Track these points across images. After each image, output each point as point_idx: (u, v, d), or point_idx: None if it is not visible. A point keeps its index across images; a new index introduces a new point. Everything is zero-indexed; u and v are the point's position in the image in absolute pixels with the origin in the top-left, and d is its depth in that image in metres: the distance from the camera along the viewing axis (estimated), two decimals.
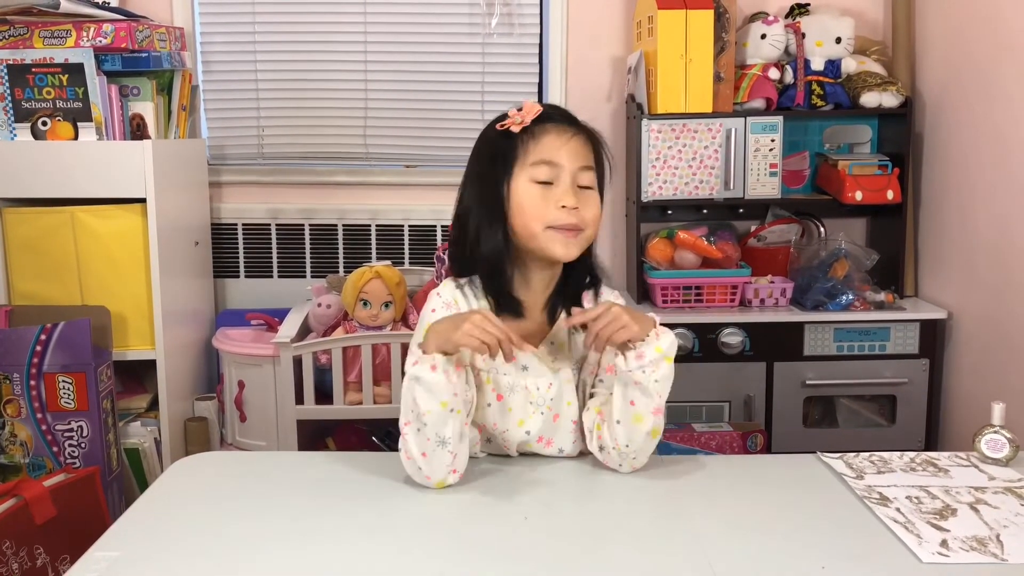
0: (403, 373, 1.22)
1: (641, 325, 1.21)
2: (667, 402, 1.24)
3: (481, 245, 1.26)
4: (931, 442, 2.35)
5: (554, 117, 1.27)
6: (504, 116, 1.27)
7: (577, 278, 1.31)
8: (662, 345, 1.20)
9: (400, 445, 1.20)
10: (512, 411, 1.27)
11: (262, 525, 1.11)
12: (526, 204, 1.23)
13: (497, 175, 1.25)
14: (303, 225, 2.65)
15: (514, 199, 1.24)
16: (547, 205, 1.22)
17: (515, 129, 1.25)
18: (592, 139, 1.29)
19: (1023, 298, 2.03)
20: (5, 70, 2.12)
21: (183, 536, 1.09)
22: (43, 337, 2.02)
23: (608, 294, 1.35)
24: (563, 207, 1.22)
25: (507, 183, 1.24)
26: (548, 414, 1.29)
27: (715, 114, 2.33)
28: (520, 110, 1.26)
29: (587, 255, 1.31)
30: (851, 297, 2.31)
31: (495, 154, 1.26)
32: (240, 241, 2.65)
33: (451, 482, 1.20)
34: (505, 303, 1.28)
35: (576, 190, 1.24)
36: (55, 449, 2.05)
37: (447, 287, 1.31)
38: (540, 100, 2.65)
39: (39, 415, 2.04)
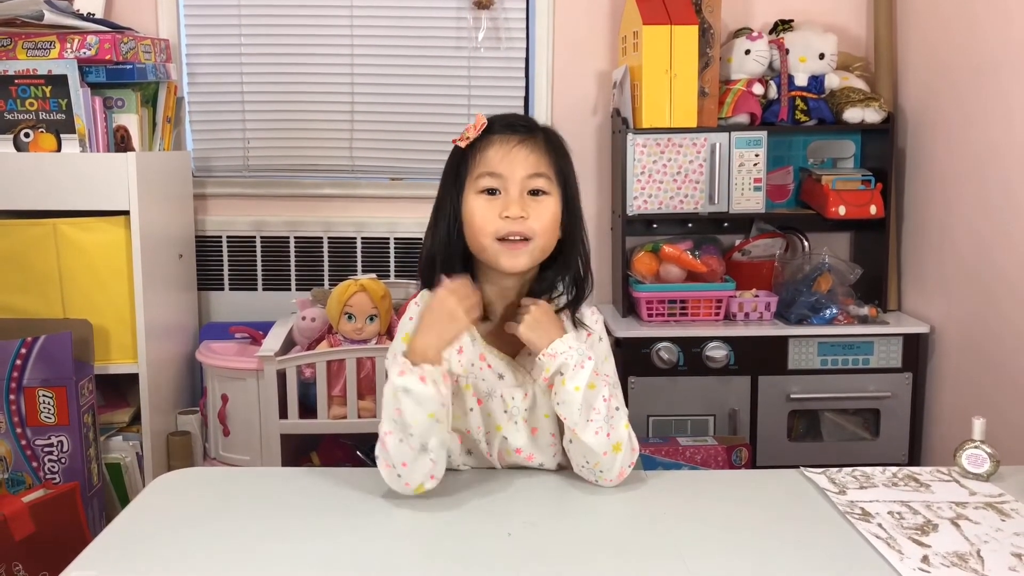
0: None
1: (536, 334, 1.22)
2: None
3: (438, 264, 1.27)
4: (914, 455, 2.36)
5: (499, 128, 1.26)
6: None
7: (544, 286, 1.30)
8: (549, 369, 1.21)
9: (378, 453, 1.20)
10: (491, 416, 1.27)
11: (245, 542, 1.10)
12: (475, 218, 1.24)
13: (451, 193, 1.27)
14: (288, 238, 2.64)
15: (465, 214, 1.25)
16: (493, 217, 1.23)
17: (462, 145, 1.26)
18: (547, 143, 1.27)
19: (1002, 313, 2.05)
20: None
21: (164, 554, 1.07)
22: (23, 351, 2.00)
23: (586, 312, 1.33)
24: (507, 217, 1.22)
25: (460, 200, 1.26)
26: (525, 427, 1.29)
27: (700, 129, 2.34)
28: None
29: (555, 263, 1.29)
30: (835, 311, 2.32)
31: (449, 172, 1.28)
32: (225, 254, 2.64)
33: (429, 487, 1.19)
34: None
35: (524, 199, 1.23)
36: (35, 464, 2.03)
37: (425, 297, 1.31)
38: (526, 113, 2.66)
39: (19, 430, 2.02)
